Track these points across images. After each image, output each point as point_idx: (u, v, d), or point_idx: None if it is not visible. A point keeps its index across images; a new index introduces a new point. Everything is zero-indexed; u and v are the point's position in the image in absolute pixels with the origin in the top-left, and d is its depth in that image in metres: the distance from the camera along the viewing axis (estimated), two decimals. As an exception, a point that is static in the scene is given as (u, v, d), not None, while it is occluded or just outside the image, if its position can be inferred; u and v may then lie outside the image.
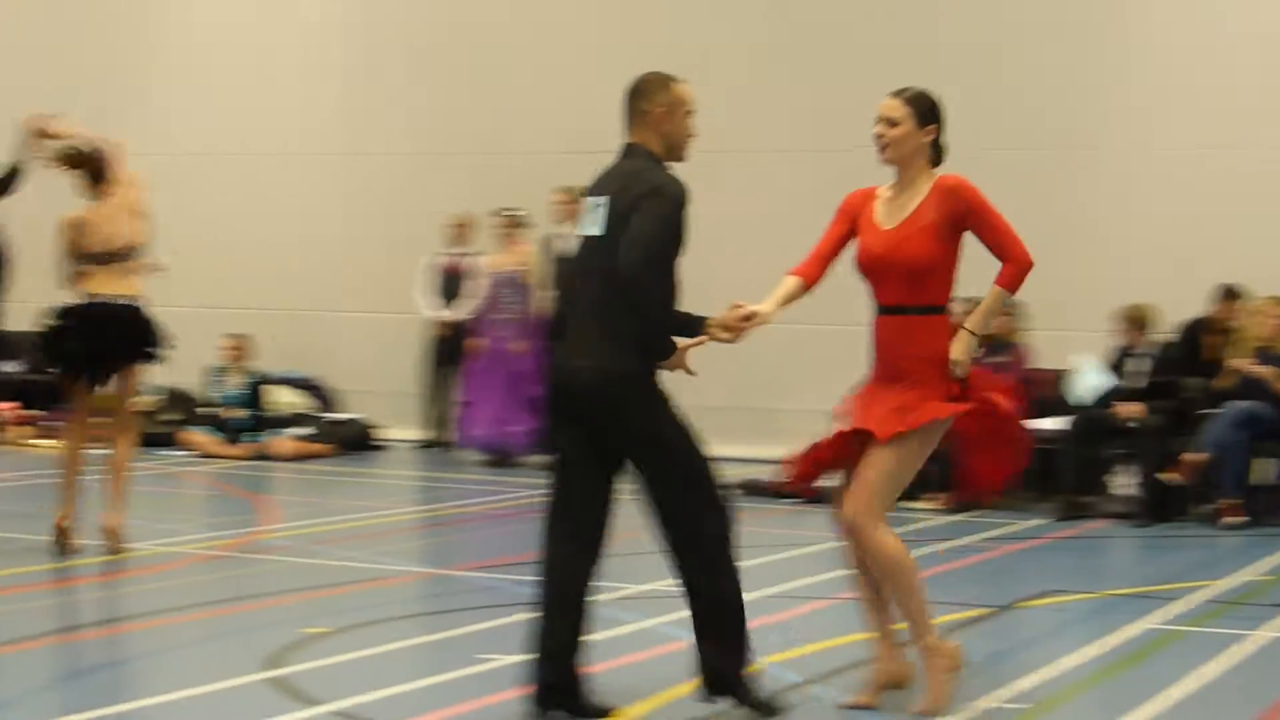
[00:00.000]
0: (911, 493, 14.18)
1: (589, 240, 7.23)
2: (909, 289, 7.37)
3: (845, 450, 7.48)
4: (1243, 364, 14.20)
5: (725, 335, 7.27)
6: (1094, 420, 14.42)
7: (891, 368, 7.42)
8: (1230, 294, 15.00)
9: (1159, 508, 14.01)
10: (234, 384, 17.62)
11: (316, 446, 17.65)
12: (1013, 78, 16.89)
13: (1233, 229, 16.14)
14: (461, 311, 17.52)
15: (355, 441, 18.23)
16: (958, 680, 7.49)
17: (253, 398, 17.65)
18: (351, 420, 18.58)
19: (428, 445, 18.16)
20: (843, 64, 17.23)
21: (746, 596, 7.19)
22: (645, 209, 7.02)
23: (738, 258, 15.57)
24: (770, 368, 17.23)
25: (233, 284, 19.60)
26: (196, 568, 11.14)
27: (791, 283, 7.53)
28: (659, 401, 7.18)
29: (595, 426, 7.16)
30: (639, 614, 9.37)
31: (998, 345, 14.30)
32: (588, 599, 7.23)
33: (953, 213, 7.35)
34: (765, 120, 17.67)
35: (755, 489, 14.76)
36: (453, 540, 13.18)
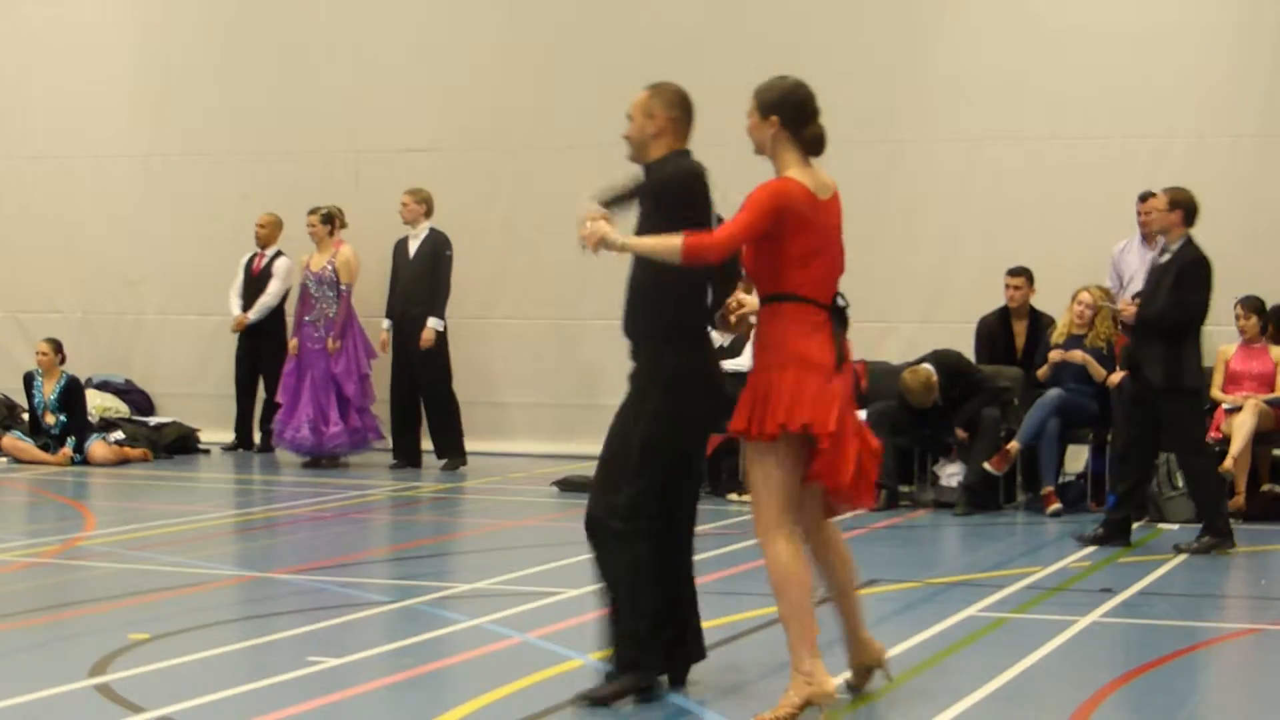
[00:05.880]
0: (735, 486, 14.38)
1: None
2: None
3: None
4: (1059, 353, 14.37)
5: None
6: (898, 410, 14.55)
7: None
8: (1023, 277, 15.25)
9: (981, 497, 14.16)
10: (50, 389, 17.29)
11: (135, 451, 17.42)
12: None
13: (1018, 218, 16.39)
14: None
15: (174, 445, 18.04)
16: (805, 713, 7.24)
17: (69, 402, 17.30)
18: (169, 424, 18.36)
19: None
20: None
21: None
22: None
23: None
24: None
25: (46, 288, 19.39)
26: (16, 575, 10.95)
27: None
28: None
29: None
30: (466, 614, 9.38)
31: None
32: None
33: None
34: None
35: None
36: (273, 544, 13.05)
